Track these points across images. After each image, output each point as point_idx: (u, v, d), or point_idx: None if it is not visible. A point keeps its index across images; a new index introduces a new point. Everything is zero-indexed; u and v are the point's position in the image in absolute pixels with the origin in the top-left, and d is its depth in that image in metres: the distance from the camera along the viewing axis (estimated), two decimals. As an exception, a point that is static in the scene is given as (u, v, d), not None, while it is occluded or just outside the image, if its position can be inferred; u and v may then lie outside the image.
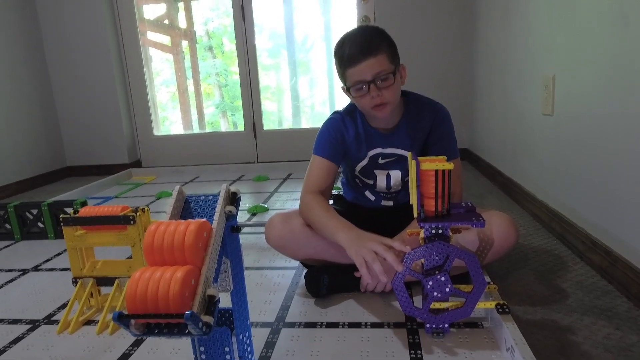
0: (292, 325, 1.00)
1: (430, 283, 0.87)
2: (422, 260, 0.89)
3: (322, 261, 1.15)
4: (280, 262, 1.36)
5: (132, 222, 1.04)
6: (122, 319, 0.56)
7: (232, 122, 3.54)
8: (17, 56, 2.78)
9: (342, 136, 1.18)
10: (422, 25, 2.70)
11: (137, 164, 3.17)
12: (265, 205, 1.97)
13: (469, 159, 2.72)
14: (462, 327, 0.94)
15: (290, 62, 3.12)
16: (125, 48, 3.02)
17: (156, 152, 3.17)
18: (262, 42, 3.07)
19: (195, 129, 3.39)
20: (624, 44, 1.05)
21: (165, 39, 3.29)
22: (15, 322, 1.10)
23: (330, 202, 1.29)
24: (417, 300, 1.05)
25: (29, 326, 1.08)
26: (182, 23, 3.23)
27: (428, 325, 0.90)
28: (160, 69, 3.36)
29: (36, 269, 1.45)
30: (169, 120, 3.48)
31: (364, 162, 1.19)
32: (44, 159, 2.97)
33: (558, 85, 1.43)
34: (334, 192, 1.29)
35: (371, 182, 1.22)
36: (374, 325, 0.98)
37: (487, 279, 0.99)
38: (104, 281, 1.09)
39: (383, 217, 1.22)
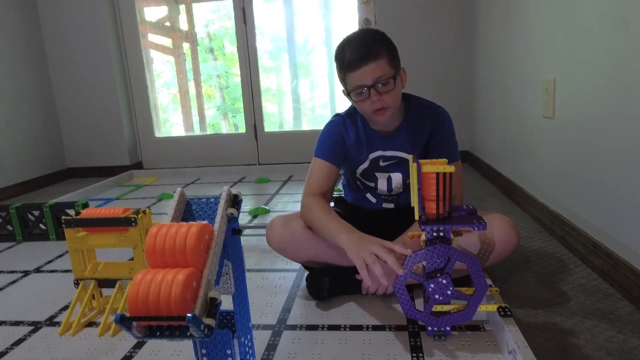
0: (293, 327, 1.00)
1: (432, 286, 0.87)
2: (424, 262, 0.90)
3: (323, 263, 1.15)
4: (282, 264, 1.36)
5: (133, 224, 1.05)
6: (124, 321, 0.56)
7: (233, 124, 3.54)
8: (17, 56, 2.78)
9: (342, 139, 1.18)
10: (422, 25, 2.70)
11: (138, 165, 3.17)
12: (267, 207, 1.97)
13: (469, 160, 2.72)
14: (464, 330, 0.94)
15: (291, 65, 3.13)
16: (126, 50, 3.02)
17: (157, 154, 3.17)
18: (263, 45, 3.07)
19: (197, 131, 3.40)
20: (624, 44, 1.05)
21: (167, 41, 3.30)
22: (17, 323, 1.11)
23: (331, 204, 1.29)
24: (419, 303, 1.05)
25: (30, 328, 1.08)
26: (184, 25, 3.23)
27: (430, 328, 0.90)
28: (161, 71, 3.36)
29: (38, 270, 1.45)
30: (170, 122, 3.48)
31: (365, 164, 1.19)
32: (45, 160, 2.97)
33: (559, 88, 1.43)
34: (335, 194, 1.29)
35: (372, 184, 1.22)
36: (376, 327, 0.98)
37: (489, 281, 0.98)
38: (106, 283, 1.10)
39: (384, 220, 1.21)
